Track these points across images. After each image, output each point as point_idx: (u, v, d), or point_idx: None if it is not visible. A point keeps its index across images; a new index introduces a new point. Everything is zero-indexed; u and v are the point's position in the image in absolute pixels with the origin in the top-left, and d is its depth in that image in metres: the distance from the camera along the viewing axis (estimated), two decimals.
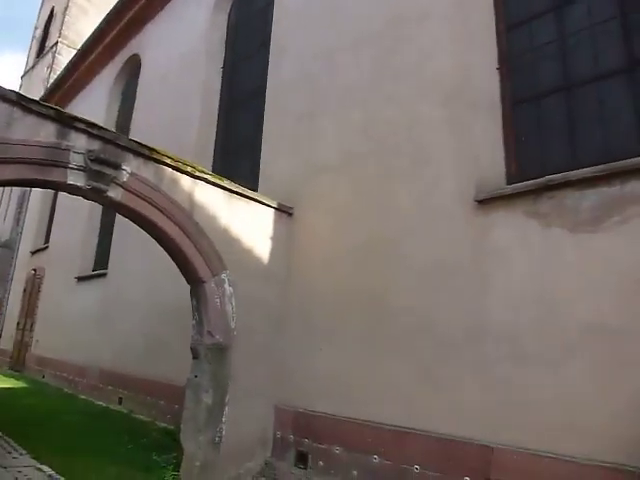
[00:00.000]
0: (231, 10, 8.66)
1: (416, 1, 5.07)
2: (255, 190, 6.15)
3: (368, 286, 4.68)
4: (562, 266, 3.44)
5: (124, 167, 4.01)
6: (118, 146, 3.99)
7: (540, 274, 3.54)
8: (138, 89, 10.41)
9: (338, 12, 5.98)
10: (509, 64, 4.51)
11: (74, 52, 17.23)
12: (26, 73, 21.93)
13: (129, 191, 4.06)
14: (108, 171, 3.89)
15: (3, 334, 16.11)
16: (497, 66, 4.53)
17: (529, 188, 3.75)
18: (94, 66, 12.82)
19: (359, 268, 4.83)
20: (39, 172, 3.60)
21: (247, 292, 5.05)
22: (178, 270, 4.88)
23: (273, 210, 5.47)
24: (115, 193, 3.98)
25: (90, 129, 3.83)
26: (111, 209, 4.75)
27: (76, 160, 3.73)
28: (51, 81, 17.00)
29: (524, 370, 3.48)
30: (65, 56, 18.00)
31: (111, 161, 3.89)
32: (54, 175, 3.66)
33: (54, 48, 18.86)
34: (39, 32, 22.09)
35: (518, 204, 3.81)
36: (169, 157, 4.35)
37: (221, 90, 8.17)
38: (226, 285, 4.86)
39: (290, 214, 5.62)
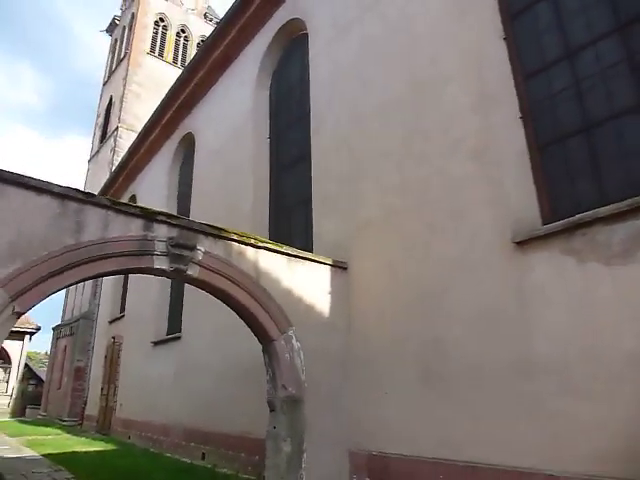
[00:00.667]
0: (271, 85, 9.55)
1: (435, 67, 5.60)
2: (310, 247, 6.73)
3: (420, 333, 5.06)
4: (601, 299, 3.70)
5: (199, 247, 4.67)
6: (192, 230, 4.68)
7: (581, 308, 3.80)
8: (195, 163, 11.44)
9: (366, 81, 6.61)
10: (531, 112, 4.90)
11: (132, 134, 19.10)
12: (92, 158, 24.24)
13: (204, 267, 4.70)
14: (186, 253, 4.55)
15: (88, 401, 17.21)
16: (519, 115, 4.92)
17: (562, 227, 4.06)
18: (153, 146, 14.16)
19: (411, 316, 5.22)
20: (132, 261, 4.30)
21: (313, 345, 5.50)
22: (247, 329, 5.41)
23: (329, 267, 5.96)
24: (193, 271, 4.63)
25: (169, 220, 4.54)
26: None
27: (160, 247, 4.42)
28: (115, 162, 18.77)
29: (574, 402, 3.70)
30: (125, 138, 19.89)
31: (188, 244, 4.56)
32: (143, 262, 4.36)
33: (115, 132, 20.88)
34: (100, 120, 24.52)
35: (554, 243, 4.11)
36: (235, 233, 5.00)
37: (270, 158, 8.94)
38: (294, 341, 5.34)
39: (344, 268, 6.09)
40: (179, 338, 10.28)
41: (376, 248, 5.85)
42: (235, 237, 5.00)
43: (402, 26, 6.30)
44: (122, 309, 15.09)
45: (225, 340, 8.09)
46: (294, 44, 9.13)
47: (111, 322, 15.70)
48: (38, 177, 3.83)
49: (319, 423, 5.31)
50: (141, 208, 4.46)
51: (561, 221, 4.10)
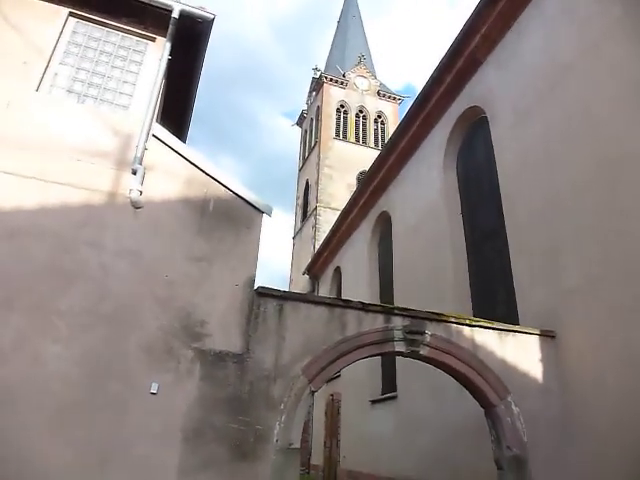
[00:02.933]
0: (457, 165, 10.64)
1: (621, 146, 6.03)
2: (513, 315, 7.40)
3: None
4: None
5: (426, 331, 5.88)
6: (420, 318, 5.93)
7: None
8: (393, 239, 12.92)
9: (554, 161, 7.15)
10: None
11: (329, 211, 21.88)
12: (296, 234, 28.10)
13: (431, 347, 5.88)
14: (417, 337, 5.79)
15: (312, 452, 19.29)
16: None
17: None
18: (352, 224, 16.21)
19: (627, 383, 5.52)
20: (378, 348, 5.72)
21: (530, 409, 6.13)
22: (461, 394, 6.30)
23: (537, 336, 6.60)
24: (424, 351, 5.85)
25: (402, 312, 5.89)
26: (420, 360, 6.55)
27: (398, 335, 5.75)
28: (317, 237, 21.66)
29: None
30: (323, 216, 22.84)
31: (419, 330, 5.81)
32: (386, 348, 5.75)
33: (314, 212, 24.09)
34: (300, 201, 28.47)
35: None
36: (452, 316, 6.13)
37: (464, 232, 9.89)
38: (513, 406, 6.07)
39: (552, 337, 6.63)
40: (395, 397, 11.44)
41: (583, 316, 6.29)
42: (453, 320, 6.10)
43: (580, 109, 6.87)
44: None
45: (440, 402, 8.96)
46: (475, 126, 10.15)
47: (328, 381, 17.65)
48: (316, 294, 5.48)
49: None
50: (382, 306, 5.89)
51: None
